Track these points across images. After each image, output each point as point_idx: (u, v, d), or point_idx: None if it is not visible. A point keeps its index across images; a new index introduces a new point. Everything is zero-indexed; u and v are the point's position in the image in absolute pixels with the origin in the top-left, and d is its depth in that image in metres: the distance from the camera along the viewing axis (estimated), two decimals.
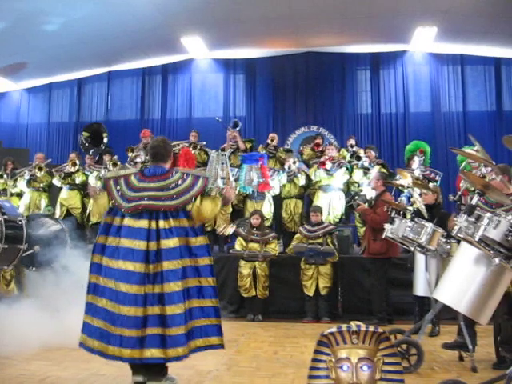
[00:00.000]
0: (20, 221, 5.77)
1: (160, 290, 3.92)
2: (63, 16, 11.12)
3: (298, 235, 8.19)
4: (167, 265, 3.93)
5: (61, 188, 10.19)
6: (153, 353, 3.82)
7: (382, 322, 6.75)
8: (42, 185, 10.24)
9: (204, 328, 4.04)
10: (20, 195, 10.37)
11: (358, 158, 9.54)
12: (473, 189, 7.04)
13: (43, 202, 10.17)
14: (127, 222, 4.03)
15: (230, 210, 9.21)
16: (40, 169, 10.15)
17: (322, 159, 9.27)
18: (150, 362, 3.89)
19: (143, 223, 4.01)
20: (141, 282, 3.89)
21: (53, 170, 10.35)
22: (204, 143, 10.59)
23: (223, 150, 9.65)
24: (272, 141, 10.35)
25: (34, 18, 10.99)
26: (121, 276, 3.92)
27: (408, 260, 7.04)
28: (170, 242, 4.00)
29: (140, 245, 3.95)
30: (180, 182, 4.13)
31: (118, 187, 4.13)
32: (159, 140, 4.44)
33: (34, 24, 11.30)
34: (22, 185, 10.20)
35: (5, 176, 10.23)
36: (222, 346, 4.12)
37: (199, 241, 4.15)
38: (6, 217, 5.47)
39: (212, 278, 4.13)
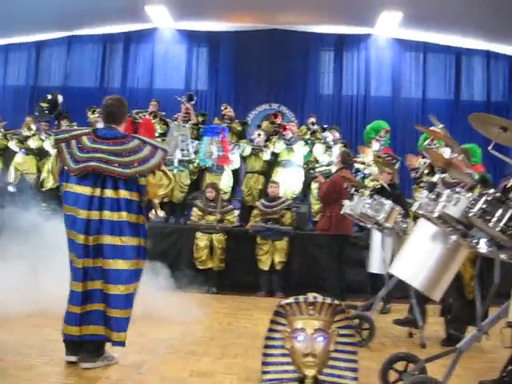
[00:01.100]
0: None
1: (102, 265, 3.76)
2: None
3: (255, 211, 8.22)
4: (109, 239, 3.75)
5: (15, 152, 9.94)
6: (95, 329, 3.75)
7: (335, 298, 6.83)
8: None
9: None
10: None
11: (323, 130, 9.56)
12: (426, 172, 7.19)
13: None
14: (71, 187, 3.80)
15: (188, 181, 9.17)
16: None
17: (283, 125, 9.37)
18: (89, 340, 3.77)
19: (85, 189, 3.76)
20: (83, 255, 3.74)
21: (8, 133, 10.08)
22: (164, 113, 10.45)
23: (175, 120, 9.56)
24: (225, 109, 10.29)
25: None
26: (69, 246, 3.81)
27: (361, 238, 7.15)
28: (115, 215, 3.76)
29: (81, 213, 3.73)
30: (137, 149, 3.82)
31: (69, 149, 3.82)
32: (114, 99, 4.09)
33: None
34: None
35: None
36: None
37: (141, 220, 3.90)
38: None
39: (143, 261, 3.98)
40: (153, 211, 4.56)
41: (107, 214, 3.74)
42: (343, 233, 7.19)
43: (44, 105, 9.88)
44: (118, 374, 3.75)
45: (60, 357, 3.97)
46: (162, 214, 4.34)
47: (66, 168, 3.80)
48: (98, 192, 3.76)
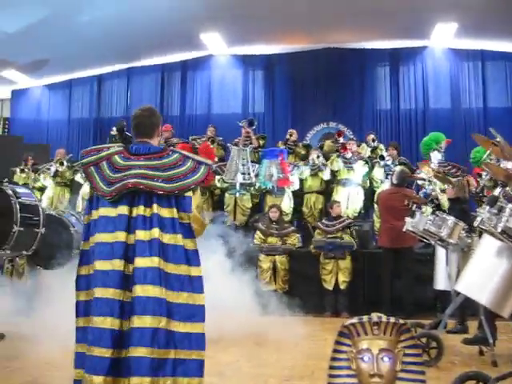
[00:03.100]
0: (36, 205, 5.79)
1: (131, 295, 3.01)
2: (85, 14, 11.28)
3: (317, 231, 8.22)
4: (138, 262, 3.02)
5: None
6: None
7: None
8: (64, 180, 10.39)
9: (182, 362, 2.99)
10: (42, 189, 10.48)
11: (382, 158, 9.49)
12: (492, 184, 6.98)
13: (66, 196, 10.33)
14: (103, 212, 3.17)
15: (250, 204, 9.27)
16: (61, 163, 10.27)
17: (343, 144, 9.40)
18: None
19: (122, 209, 3.14)
20: (120, 285, 3.02)
21: (74, 165, 10.45)
22: (221, 138, 10.66)
23: (236, 144, 9.72)
24: (291, 136, 10.45)
25: (58, 15, 11.17)
26: (96, 279, 3.06)
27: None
28: (147, 234, 3.08)
29: (119, 236, 3.09)
30: (178, 163, 3.27)
31: (100, 172, 3.26)
32: (143, 109, 3.52)
33: (57, 21, 11.47)
34: (44, 179, 10.33)
35: (26, 170, 10.38)
36: None
37: (193, 245, 3.19)
38: (20, 200, 5.49)
39: (202, 295, 3.14)
40: None
41: (138, 234, 3.09)
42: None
43: (114, 133, 10.24)
44: None
45: None
46: None
47: (98, 193, 3.22)
48: (134, 211, 3.15)
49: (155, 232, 3.07)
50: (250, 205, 9.29)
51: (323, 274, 7.77)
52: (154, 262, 3.02)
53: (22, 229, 5.39)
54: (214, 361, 4.81)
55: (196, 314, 3.08)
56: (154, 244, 3.06)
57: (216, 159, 9.70)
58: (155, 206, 3.13)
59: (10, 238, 5.32)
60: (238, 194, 9.09)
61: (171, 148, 3.50)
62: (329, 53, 13.74)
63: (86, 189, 10.05)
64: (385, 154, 9.62)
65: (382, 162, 9.42)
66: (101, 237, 3.12)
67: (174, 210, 3.17)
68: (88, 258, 3.19)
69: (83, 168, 3.36)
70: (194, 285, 3.12)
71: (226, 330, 5.58)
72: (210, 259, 5.67)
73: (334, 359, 3.57)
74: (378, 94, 13.84)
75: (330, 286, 7.69)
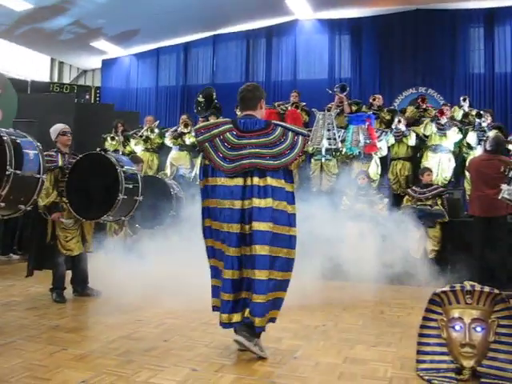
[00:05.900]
0: (136, 173, 6.01)
1: (249, 251, 3.77)
2: None
3: (407, 197, 8.04)
4: (256, 225, 3.73)
5: (170, 149, 10.52)
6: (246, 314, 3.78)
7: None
8: (153, 146, 10.67)
9: (280, 300, 3.89)
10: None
11: (479, 116, 9.07)
12: None
13: (155, 162, 10.62)
14: (221, 181, 3.84)
15: (336, 170, 9.17)
16: (152, 131, 10.56)
17: (441, 110, 9.06)
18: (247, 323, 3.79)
19: (238, 181, 3.81)
20: (238, 243, 3.80)
21: (164, 131, 10.71)
22: (304, 104, 10.56)
23: (328, 110, 9.60)
24: (374, 100, 10.18)
25: None
26: (225, 238, 3.83)
27: None
28: (262, 202, 3.76)
29: (235, 204, 3.78)
30: (282, 139, 3.85)
31: (215, 148, 3.86)
32: (248, 84, 4.16)
33: None
34: (135, 145, 10.64)
35: (116, 138, 10.71)
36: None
37: (293, 210, 3.89)
38: (123, 169, 5.70)
39: (294, 251, 3.89)
40: None
41: (255, 202, 3.75)
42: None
43: (201, 100, 10.32)
44: (276, 357, 3.89)
45: (218, 339, 4.22)
46: None
47: (216, 167, 3.84)
48: (249, 181, 3.79)
49: (269, 201, 3.77)
50: (336, 171, 9.19)
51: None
52: (269, 226, 3.74)
53: (125, 197, 5.65)
54: (301, 324, 4.88)
55: (289, 265, 3.87)
56: (268, 211, 3.76)
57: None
58: (268, 178, 3.79)
59: (114, 206, 5.58)
60: (323, 160, 9.03)
61: (273, 121, 4.03)
62: (419, 14, 13.29)
63: (173, 154, 10.33)
64: (482, 113, 9.17)
65: (478, 121, 8.98)
66: (222, 202, 3.83)
67: (283, 180, 3.85)
68: (208, 212, 3.95)
69: (199, 144, 3.99)
70: (291, 242, 3.87)
71: (312, 296, 5.61)
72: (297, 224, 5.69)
73: (423, 327, 3.53)
74: (470, 57, 13.26)
75: (418, 255, 7.53)
